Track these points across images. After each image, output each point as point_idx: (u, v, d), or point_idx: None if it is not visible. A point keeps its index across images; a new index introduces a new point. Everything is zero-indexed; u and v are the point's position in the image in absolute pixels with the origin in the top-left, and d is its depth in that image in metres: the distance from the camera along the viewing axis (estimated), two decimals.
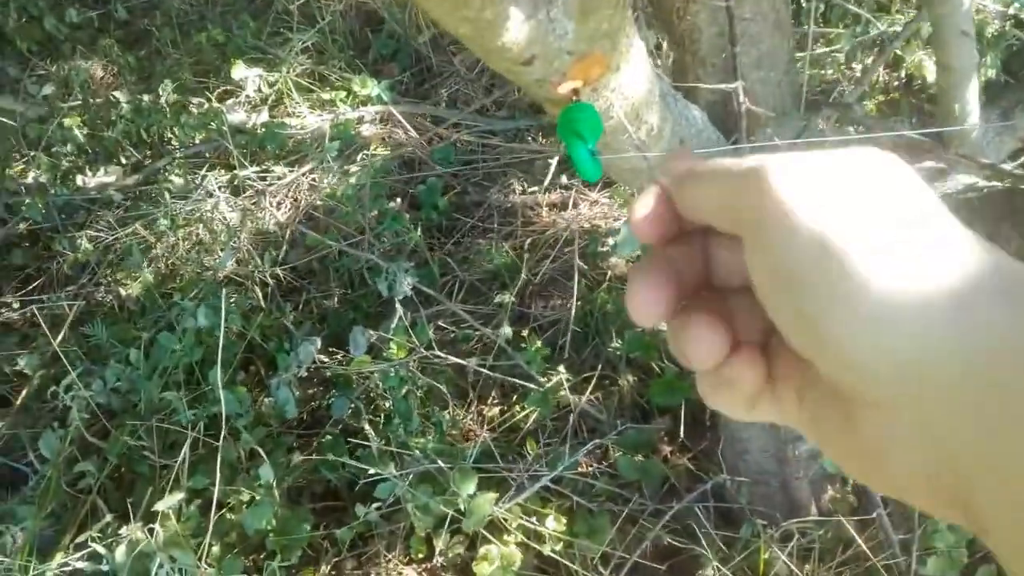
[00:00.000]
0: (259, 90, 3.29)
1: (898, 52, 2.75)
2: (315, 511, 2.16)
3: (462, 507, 1.86)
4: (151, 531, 1.76)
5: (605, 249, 2.83)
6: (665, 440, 2.34)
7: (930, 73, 2.66)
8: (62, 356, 2.23)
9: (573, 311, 1.97)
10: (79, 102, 3.36)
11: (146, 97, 3.32)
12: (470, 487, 1.87)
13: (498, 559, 1.86)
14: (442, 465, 1.95)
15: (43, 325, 2.24)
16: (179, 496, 1.84)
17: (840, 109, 1.45)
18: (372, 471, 1.89)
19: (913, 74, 2.87)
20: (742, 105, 1.12)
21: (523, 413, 2.40)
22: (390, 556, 2.06)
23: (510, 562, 1.86)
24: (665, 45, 2.86)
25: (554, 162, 2.66)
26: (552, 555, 1.89)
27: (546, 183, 2.90)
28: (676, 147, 1.25)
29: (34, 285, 2.87)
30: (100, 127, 3.26)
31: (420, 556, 2.05)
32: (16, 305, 2.78)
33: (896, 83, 3.06)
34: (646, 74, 1.08)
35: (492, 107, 3.46)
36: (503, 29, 0.77)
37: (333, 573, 2.08)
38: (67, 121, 3.20)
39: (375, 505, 1.90)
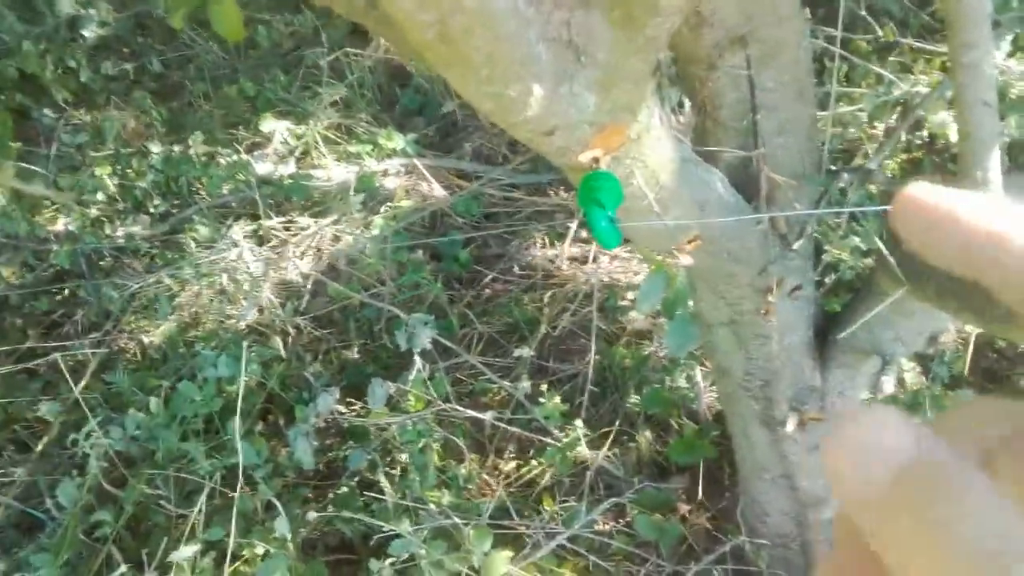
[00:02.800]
0: (286, 142, 3.36)
1: (921, 111, 2.76)
2: (329, 564, 2.14)
3: (476, 564, 1.85)
4: None
5: (624, 303, 2.83)
6: (683, 498, 2.31)
7: (953, 133, 2.66)
8: (82, 403, 2.25)
9: (591, 368, 1.96)
10: (111, 152, 3.44)
11: (176, 148, 3.40)
12: (485, 544, 1.86)
13: None
14: (457, 521, 1.93)
15: (65, 372, 2.26)
16: (194, 547, 1.84)
17: (861, 175, 1.45)
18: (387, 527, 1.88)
19: (936, 134, 2.87)
20: (762, 173, 1.13)
21: (540, 468, 2.39)
22: None
23: None
24: (687, 105, 2.88)
25: (576, 215, 2.68)
26: None
27: (569, 237, 2.91)
28: (695, 211, 1.26)
29: (59, 332, 2.91)
30: (131, 177, 3.32)
31: None
32: (40, 351, 2.81)
33: (919, 142, 3.06)
34: (667, 141, 1.10)
35: (515, 160, 3.50)
36: (526, 105, 0.79)
37: None
38: (98, 170, 3.27)
39: (389, 561, 1.89)
